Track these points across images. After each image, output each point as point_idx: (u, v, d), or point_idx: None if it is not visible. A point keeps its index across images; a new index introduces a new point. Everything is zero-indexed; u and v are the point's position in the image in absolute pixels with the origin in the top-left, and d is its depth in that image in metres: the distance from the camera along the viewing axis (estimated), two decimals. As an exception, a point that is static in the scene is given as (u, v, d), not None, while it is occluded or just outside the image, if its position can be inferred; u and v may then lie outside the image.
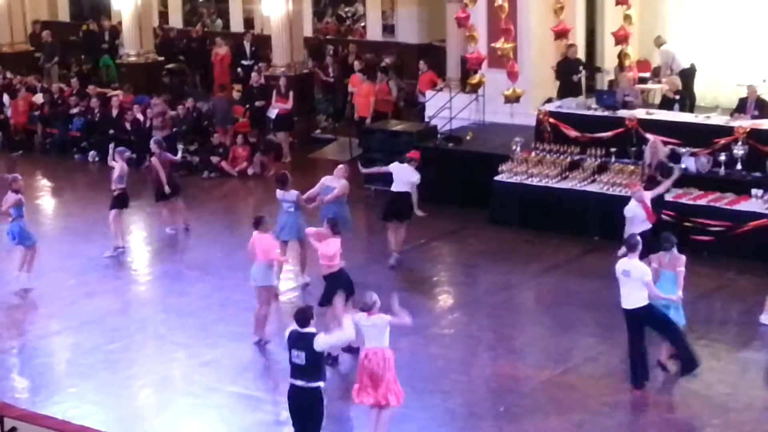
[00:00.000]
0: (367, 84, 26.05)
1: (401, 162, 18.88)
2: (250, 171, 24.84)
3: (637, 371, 14.07)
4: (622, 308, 13.98)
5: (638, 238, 14.07)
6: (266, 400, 14.18)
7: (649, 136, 19.65)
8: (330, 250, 15.10)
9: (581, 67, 23.26)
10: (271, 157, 25.48)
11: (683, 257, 14.22)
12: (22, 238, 18.33)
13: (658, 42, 24.07)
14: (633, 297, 13.80)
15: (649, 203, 16.57)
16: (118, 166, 19.80)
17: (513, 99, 22.37)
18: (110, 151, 20.55)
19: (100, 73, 32.75)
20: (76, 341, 16.31)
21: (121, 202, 19.93)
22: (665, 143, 19.88)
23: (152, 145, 20.96)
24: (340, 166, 18.48)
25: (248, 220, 21.58)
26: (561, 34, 22.81)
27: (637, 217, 16.40)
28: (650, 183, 18.31)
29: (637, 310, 13.83)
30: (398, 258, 18.78)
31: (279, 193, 17.96)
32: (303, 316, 11.96)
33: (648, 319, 13.91)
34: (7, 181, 18.62)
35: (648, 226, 16.40)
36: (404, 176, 18.71)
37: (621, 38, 22.82)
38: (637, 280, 13.72)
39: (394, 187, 18.83)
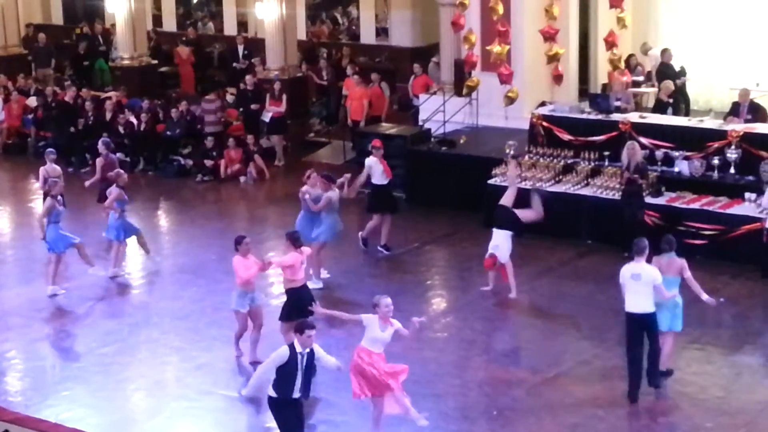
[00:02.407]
0: (360, 87, 26.06)
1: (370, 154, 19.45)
2: (242, 179, 24.79)
3: (638, 383, 13.89)
4: (627, 312, 13.81)
5: (646, 242, 13.92)
6: (260, 403, 14.13)
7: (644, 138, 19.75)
8: (288, 262, 14.90)
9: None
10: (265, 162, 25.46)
11: (683, 261, 14.09)
12: (120, 233, 18.90)
13: (644, 48, 24.17)
14: (642, 302, 13.64)
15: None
16: (44, 168, 20.16)
17: (512, 100, 22.43)
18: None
19: (95, 76, 32.70)
20: (69, 344, 16.32)
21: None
22: (658, 146, 19.98)
23: (99, 146, 20.99)
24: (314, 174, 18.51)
25: (242, 224, 21.75)
26: (549, 36, 22.86)
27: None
28: (630, 185, 18.44)
29: (645, 315, 13.69)
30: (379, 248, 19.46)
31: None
32: (294, 327, 12.08)
33: (651, 326, 13.79)
34: (112, 177, 19.18)
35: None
36: (374, 168, 19.22)
37: (610, 43, 22.91)
38: (648, 284, 13.58)
39: (373, 181, 19.45)
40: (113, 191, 18.90)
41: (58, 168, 20.37)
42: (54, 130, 27.28)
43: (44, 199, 20.23)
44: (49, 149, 21.27)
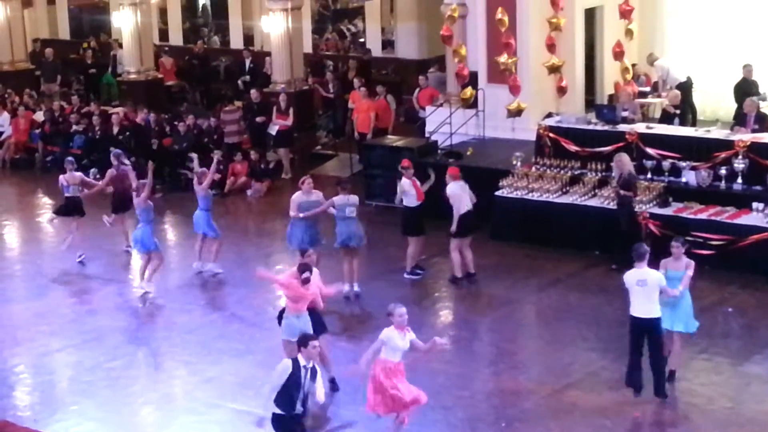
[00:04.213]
0: (367, 100, 26.08)
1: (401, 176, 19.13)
2: (249, 192, 24.79)
3: (638, 380, 14.13)
4: (632, 316, 13.96)
5: (646, 247, 14.14)
6: (268, 417, 14.12)
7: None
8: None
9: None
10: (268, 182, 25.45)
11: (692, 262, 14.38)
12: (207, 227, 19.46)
13: (651, 59, 24.16)
14: (648, 306, 13.85)
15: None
16: (64, 176, 20.53)
17: (515, 113, 22.43)
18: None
19: (102, 90, 32.78)
20: (78, 359, 16.31)
21: (65, 209, 20.63)
22: (665, 157, 19.98)
23: (111, 158, 21.01)
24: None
25: (250, 237, 21.72)
26: (551, 48, 22.85)
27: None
28: (618, 197, 18.85)
29: (650, 320, 13.88)
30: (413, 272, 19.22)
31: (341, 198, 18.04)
32: (297, 341, 12.05)
33: (654, 332, 13.96)
34: (198, 176, 19.76)
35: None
36: (407, 190, 18.97)
37: (617, 54, 22.93)
38: (654, 288, 13.78)
39: (405, 203, 19.15)
40: (197, 190, 19.46)
41: (77, 175, 20.56)
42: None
43: (65, 203, 20.61)
44: (69, 158, 21.43)
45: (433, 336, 16.44)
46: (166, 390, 15.25)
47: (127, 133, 26.81)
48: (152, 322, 17.85)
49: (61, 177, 20.74)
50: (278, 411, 11.72)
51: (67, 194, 20.70)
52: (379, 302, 17.41)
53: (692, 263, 14.35)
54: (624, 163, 18.89)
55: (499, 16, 22.39)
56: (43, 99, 31.02)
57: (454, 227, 18.41)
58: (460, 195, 18.39)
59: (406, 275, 19.08)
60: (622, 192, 18.78)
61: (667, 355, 14.42)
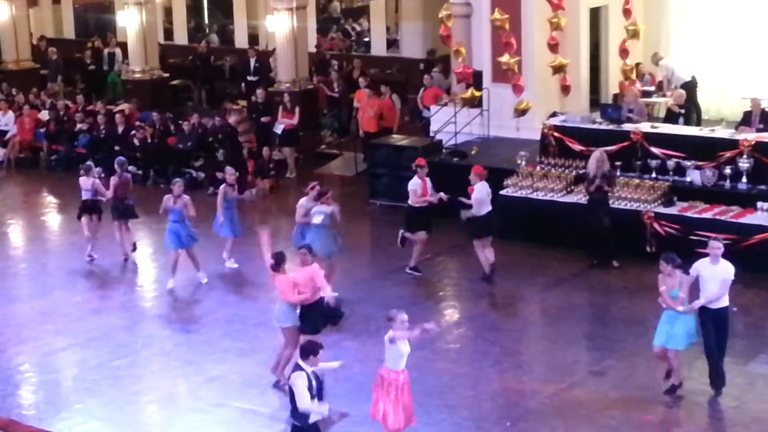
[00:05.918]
0: (372, 99, 26.08)
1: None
2: (253, 191, 24.74)
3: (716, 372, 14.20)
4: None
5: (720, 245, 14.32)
6: (272, 416, 14.15)
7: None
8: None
9: None
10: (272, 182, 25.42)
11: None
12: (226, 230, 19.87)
13: (655, 59, 24.15)
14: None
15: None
16: (84, 180, 20.44)
17: (522, 112, 22.42)
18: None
19: (107, 89, 32.80)
20: (83, 357, 16.31)
21: (89, 210, 20.50)
22: (670, 156, 19.97)
23: (115, 165, 20.91)
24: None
25: (253, 236, 21.70)
26: (553, 47, 22.84)
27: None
28: (597, 193, 18.85)
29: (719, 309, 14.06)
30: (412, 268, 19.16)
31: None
32: (303, 348, 11.88)
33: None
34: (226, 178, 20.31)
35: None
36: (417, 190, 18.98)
37: (623, 53, 22.93)
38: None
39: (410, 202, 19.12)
40: (220, 189, 19.85)
41: (95, 182, 20.45)
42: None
43: (83, 204, 20.47)
44: (88, 163, 21.28)
45: (438, 336, 16.55)
46: (170, 389, 15.26)
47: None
48: (156, 321, 17.84)
49: (81, 179, 20.56)
50: (299, 422, 11.63)
51: (86, 197, 20.42)
52: (381, 301, 17.42)
53: (685, 279, 14.05)
54: (605, 161, 18.98)
55: (496, 15, 22.38)
56: (50, 97, 31.06)
57: (469, 214, 18.46)
58: (484, 199, 18.31)
59: (408, 270, 19.09)
60: (605, 188, 18.83)
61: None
